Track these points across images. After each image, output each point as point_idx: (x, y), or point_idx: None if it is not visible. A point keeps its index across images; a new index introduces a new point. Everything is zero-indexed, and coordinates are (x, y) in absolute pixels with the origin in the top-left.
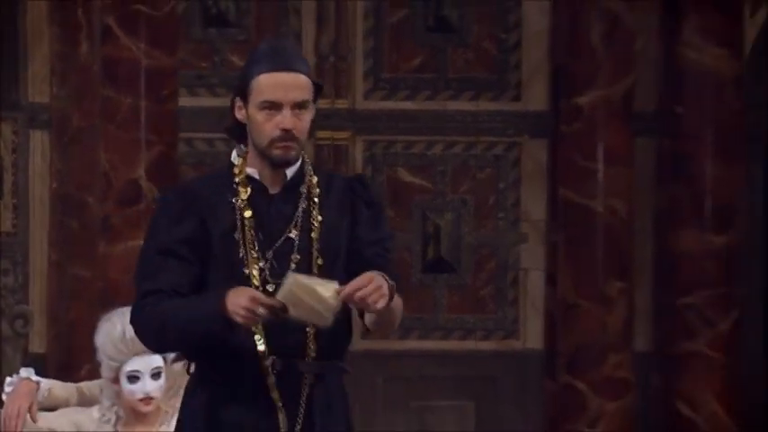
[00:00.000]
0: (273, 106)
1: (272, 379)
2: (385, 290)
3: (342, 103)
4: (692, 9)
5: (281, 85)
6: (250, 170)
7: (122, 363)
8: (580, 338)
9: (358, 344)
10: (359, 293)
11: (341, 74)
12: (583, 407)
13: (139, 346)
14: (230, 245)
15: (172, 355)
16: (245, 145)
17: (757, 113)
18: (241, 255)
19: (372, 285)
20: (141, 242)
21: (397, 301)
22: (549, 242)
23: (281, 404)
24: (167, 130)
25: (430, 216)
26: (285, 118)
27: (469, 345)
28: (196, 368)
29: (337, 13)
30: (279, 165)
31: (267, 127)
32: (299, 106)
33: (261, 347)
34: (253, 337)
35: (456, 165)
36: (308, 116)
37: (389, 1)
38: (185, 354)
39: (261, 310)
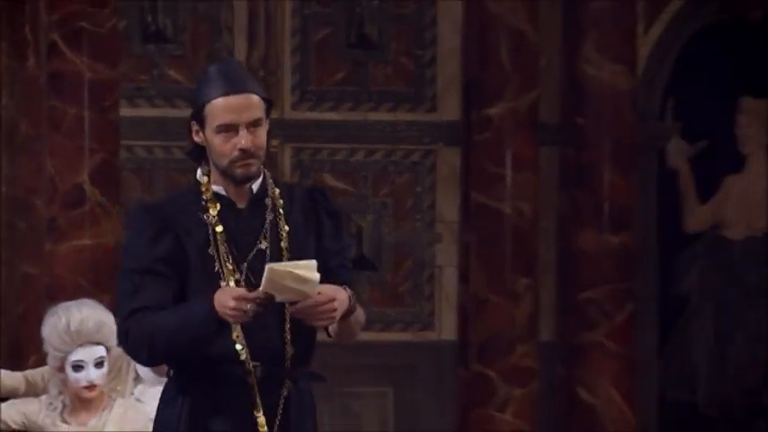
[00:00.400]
0: (230, 128)
1: (254, 386)
2: (335, 312)
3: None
4: (591, 28)
5: (235, 107)
6: (216, 187)
7: (67, 353)
8: (490, 330)
9: None
10: (307, 310)
11: (270, 87)
12: (492, 393)
13: (84, 337)
14: (206, 260)
15: (115, 344)
16: (207, 165)
17: (650, 125)
18: (216, 269)
19: (325, 307)
20: (86, 241)
21: (358, 312)
22: (462, 242)
23: (261, 410)
24: (109, 139)
25: (353, 218)
26: (242, 138)
27: (389, 336)
28: (176, 377)
29: (267, 31)
30: (242, 182)
31: (226, 148)
32: (253, 125)
33: (243, 355)
34: (234, 345)
35: (376, 170)
36: (262, 132)
37: (315, 20)
38: (170, 363)
39: (248, 306)
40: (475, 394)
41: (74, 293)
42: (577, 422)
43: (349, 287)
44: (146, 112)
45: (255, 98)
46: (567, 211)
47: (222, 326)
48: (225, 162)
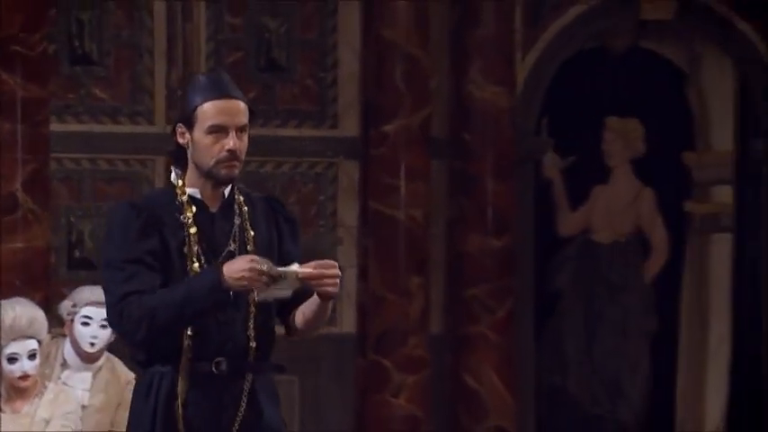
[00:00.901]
0: (220, 129)
1: (218, 379)
2: (337, 280)
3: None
4: (476, 54)
5: (227, 110)
6: (190, 190)
7: (2, 347)
8: (386, 324)
9: None
10: (321, 272)
11: None
12: (388, 380)
13: (17, 332)
14: (182, 258)
15: (47, 336)
16: (184, 167)
17: (527, 140)
18: (188, 267)
19: (334, 270)
20: (19, 244)
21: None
22: (361, 245)
23: (225, 403)
24: (40, 151)
25: None
26: (231, 140)
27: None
28: (147, 371)
29: (184, 54)
30: (224, 182)
31: (215, 149)
32: (241, 129)
33: (206, 351)
34: (199, 339)
35: (284, 181)
36: (246, 138)
37: (228, 45)
38: (138, 360)
39: (264, 267)
40: (372, 381)
41: (8, 293)
42: (463, 405)
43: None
44: (73, 127)
45: (243, 105)
46: (454, 217)
47: (228, 296)
48: (211, 162)
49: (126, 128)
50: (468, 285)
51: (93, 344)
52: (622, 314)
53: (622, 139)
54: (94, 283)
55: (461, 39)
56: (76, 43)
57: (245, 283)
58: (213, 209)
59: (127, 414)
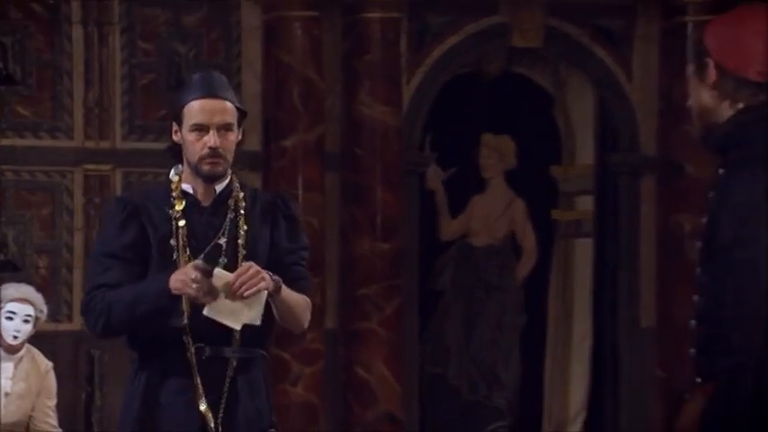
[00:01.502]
0: (201, 128)
1: (195, 365)
2: (262, 275)
3: (105, 144)
4: (365, 77)
5: (208, 110)
6: (185, 186)
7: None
8: None
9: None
10: (238, 280)
11: (104, 122)
12: (287, 371)
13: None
14: (167, 249)
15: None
16: (182, 164)
17: (413, 154)
18: (175, 257)
19: (250, 272)
20: None
21: (299, 299)
22: None
23: (203, 389)
24: None
25: None
26: (211, 138)
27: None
28: (137, 358)
29: (101, 76)
30: (208, 178)
31: (197, 146)
32: (224, 128)
33: (187, 338)
34: (189, 327)
35: None
36: (232, 137)
37: (141, 68)
38: (129, 343)
39: (193, 275)
40: (273, 373)
41: None
42: (355, 394)
43: (303, 282)
44: None
45: (229, 105)
46: (347, 224)
47: (174, 302)
48: (195, 158)
49: (47, 142)
50: (359, 285)
51: (16, 337)
52: (497, 311)
53: (497, 153)
54: (19, 281)
55: (352, 63)
56: (1, 65)
57: (180, 288)
58: (205, 203)
59: (47, 401)
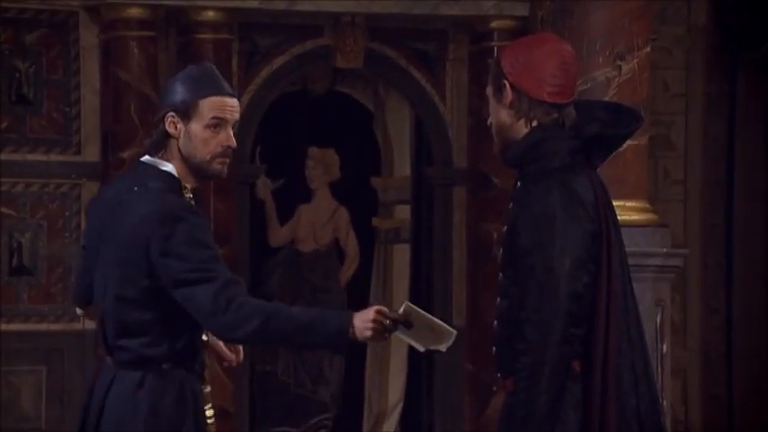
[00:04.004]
0: (220, 124)
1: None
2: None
3: None
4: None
5: (230, 107)
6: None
7: None
8: None
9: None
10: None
11: None
12: None
13: None
14: None
15: None
16: (162, 156)
17: (244, 166)
18: None
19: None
20: None
21: None
22: None
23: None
24: None
25: (15, 235)
26: (230, 137)
27: (43, 327)
28: (169, 379)
29: None
30: (214, 178)
31: (212, 143)
32: (234, 127)
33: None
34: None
35: (34, 199)
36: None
37: None
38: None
39: (387, 322)
40: None
41: None
42: None
43: None
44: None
45: (238, 103)
46: None
47: (345, 346)
48: (207, 156)
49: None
50: None
51: None
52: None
53: (322, 165)
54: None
55: None
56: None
57: (369, 333)
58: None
59: None
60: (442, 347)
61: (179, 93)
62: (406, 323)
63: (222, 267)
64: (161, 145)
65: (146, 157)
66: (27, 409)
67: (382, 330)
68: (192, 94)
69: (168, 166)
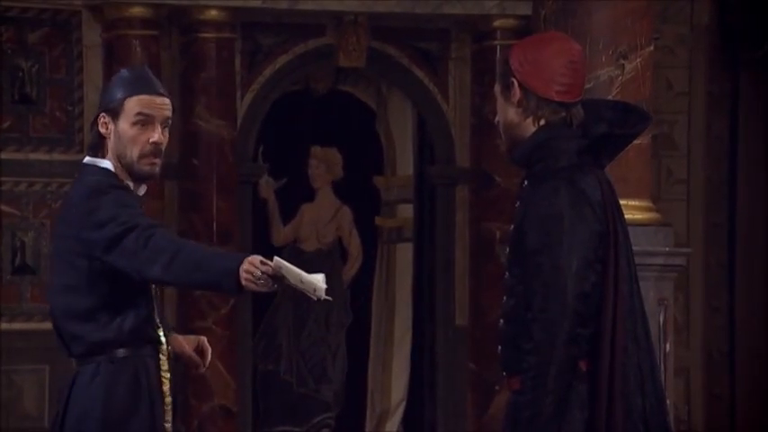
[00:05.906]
0: (147, 121)
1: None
2: None
3: None
4: (202, 93)
5: (157, 104)
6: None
7: None
8: None
9: None
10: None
11: None
12: None
13: None
14: None
15: None
16: (101, 157)
17: (246, 165)
18: None
19: None
20: None
21: None
22: None
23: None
24: None
25: (17, 234)
26: (156, 133)
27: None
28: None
29: None
30: (145, 179)
31: (139, 141)
32: (165, 124)
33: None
34: (156, 329)
35: (36, 198)
36: (167, 134)
37: None
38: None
39: (258, 272)
40: None
41: None
42: (192, 387)
43: None
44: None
45: (169, 102)
46: (185, 230)
47: (235, 287)
48: (135, 154)
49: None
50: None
51: None
52: (325, 310)
53: (325, 164)
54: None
55: (189, 80)
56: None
57: (243, 276)
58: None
59: None
60: (314, 297)
61: (110, 94)
62: (275, 277)
63: (146, 219)
64: (98, 146)
65: (86, 158)
66: (29, 409)
67: (254, 280)
68: (121, 94)
69: (106, 163)
